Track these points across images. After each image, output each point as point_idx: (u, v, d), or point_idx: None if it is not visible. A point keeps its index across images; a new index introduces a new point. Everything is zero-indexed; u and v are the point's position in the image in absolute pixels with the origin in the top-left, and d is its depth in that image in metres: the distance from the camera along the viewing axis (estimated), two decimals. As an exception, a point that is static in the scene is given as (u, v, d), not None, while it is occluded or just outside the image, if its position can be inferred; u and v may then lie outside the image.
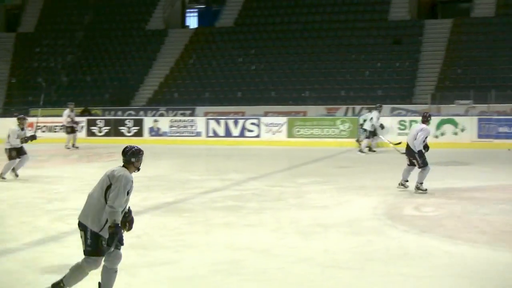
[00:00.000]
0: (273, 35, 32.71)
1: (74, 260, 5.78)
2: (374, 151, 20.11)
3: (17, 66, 35.88)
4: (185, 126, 24.69)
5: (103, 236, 5.59)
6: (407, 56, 29.59)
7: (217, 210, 10.39)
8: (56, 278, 5.79)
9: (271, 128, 23.63)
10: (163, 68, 32.98)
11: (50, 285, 5.74)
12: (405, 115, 23.48)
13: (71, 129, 22.72)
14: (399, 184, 12.35)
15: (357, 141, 20.83)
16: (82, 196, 6.20)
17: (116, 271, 5.72)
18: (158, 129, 25.21)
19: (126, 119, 26.19)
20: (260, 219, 9.64)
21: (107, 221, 5.58)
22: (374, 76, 28.94)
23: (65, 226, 8.89)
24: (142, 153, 5.87)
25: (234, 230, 8.99)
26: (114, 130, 25.65)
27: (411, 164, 12.20)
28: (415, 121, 21.31)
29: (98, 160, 19.55)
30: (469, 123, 21.25)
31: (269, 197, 11.74)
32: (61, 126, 23.75)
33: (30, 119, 16.60)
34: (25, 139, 13.94)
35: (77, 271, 5.68)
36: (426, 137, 12.11)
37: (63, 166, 18.03)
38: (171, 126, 24.90)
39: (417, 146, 12.02)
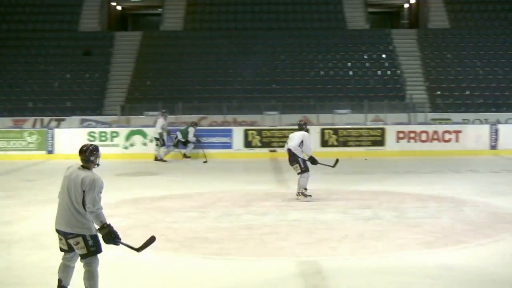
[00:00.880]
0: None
1: None
2: (165, 160, 20.02)
3: None
4: None
5: (98, 234, 5.98)
6: (97, 68, 29.42)
7: None
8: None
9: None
10: None
11: None
12: (94, 127, 23.20)
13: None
14: (298, 193, 12.26)
15: (184, 155, 20.67)
16: None
17: (97, 273, 6.04)
18: None
19: None
20: None
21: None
22: (64, 87, 28.22)
23: None
24: (99, 150, 6.20)
25: None
26: None
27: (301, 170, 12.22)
28: (105, 133, 21.39)
29: None
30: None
31: None
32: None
33: None
34: None
35: (92, 276, 6.00)
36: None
37: None
38: None
39: (309, 152, 12.37)
